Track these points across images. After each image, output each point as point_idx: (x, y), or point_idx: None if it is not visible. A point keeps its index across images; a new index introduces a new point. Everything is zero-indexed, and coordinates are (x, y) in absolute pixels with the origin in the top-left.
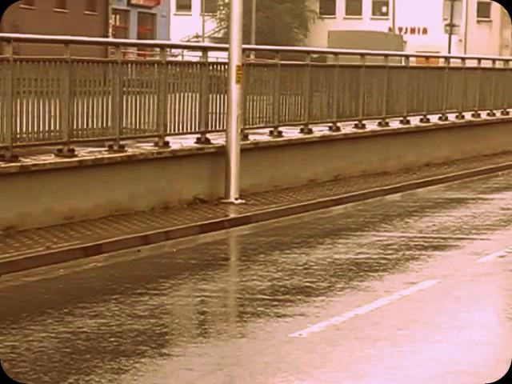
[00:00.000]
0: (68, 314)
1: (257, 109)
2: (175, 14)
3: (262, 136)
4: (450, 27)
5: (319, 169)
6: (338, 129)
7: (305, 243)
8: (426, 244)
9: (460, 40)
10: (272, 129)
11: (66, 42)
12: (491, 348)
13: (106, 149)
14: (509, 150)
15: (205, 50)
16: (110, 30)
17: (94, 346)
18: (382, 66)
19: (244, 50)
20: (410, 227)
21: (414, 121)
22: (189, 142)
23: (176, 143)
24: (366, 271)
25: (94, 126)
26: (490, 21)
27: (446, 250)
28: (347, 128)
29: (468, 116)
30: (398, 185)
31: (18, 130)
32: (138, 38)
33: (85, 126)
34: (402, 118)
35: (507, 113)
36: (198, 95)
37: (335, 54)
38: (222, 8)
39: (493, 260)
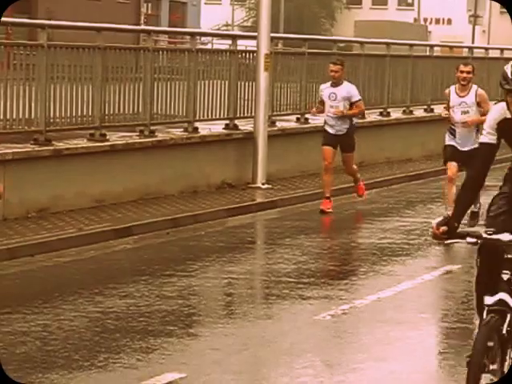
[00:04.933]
0: (98, 294)
1: (284, 96)
2: (206, 3)
3: (288, 123)
4: (474, 18)
5: None
6: (363, 116)
7: (329, 228)
8: None
9: (483, 31)
10: (299, 115)
11: (99, 29)
12: None
13: (137, 134)
14: None
15: (234, 38)
16: (142, 18)
17: (124, 325)
18: (406, 56)
19: (272, 38)
20: (433, 213)
21: (438, 109)
22: (217, 127)
23: (205, 129)
24: (389, 256)
25: (126, 112)
26: None
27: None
28: (372, 116)
29: (491, 105)
30: (421, 171)
31: (52, 114)
32: (169, 26)
33: (116, 112)
34: (425, 107)
35: None
36: (226, 82)
37: (361, 43)
38: None
39: None
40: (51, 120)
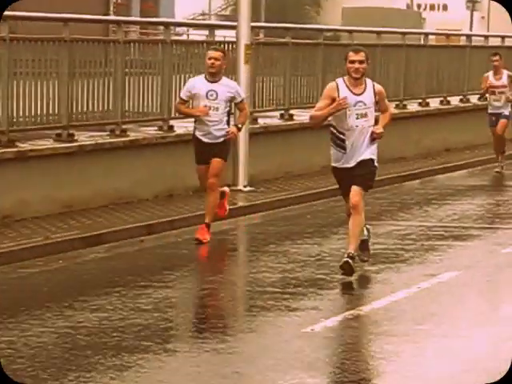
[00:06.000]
0: (68, 307)
1: (267, 90)
2: None
3: (272, 119)
4: (472, 3)
5: None
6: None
7: (318, 233)
8: (446, 234)
9: (482, 17)
10: (283, 112)
11: (65, 21)
12: None
13: (108, 133)
14: None
15: (211, 28)
16: (112, 8)
17: (96, 341)
18: (399, 45)
19: (253, 28)
20: (430, 216)
21: (434, 103)
22: None
23: (181, 127)
24: (382, 262)
25: (95, 110)
26: None
27: (468, 240)
28: None
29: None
30: (416, 171)
31: (15, 113)
32: (141, 16)
33: (85, 110)
34: (420, 100)
35: None
36: None
37: (349, 32)
38: None
39: None
40: (14, 119)
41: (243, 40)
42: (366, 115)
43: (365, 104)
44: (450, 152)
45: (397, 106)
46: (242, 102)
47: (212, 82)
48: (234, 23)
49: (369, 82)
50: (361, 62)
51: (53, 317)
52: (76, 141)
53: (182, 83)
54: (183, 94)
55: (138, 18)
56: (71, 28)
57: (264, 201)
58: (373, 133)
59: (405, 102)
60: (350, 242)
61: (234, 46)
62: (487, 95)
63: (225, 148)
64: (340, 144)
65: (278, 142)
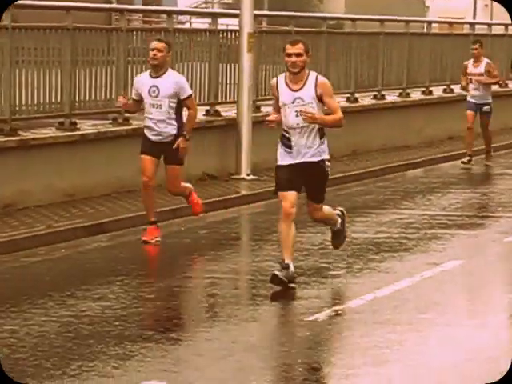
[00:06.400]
0: (70, 296)
1: (269, 79)
2: None
3: None
4: None
5: (336, 143)
6: (355, 100)
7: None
8: (449, 222)
9: (486, 5)
10: None
11: (68, 9)
12: None
13: (110, 122)
14: None
15: (214, 16)
16: None
17: (98, 330)
18: (402, 33)
19: (256, 16)
20: (433, 204)
21: (437, 91)
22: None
23: (184, 116)
24: (385, 251)
25: (97, 98)
26: None
27: (471, 228)
28: (366, 99)
29: (495, 86)
30: (419, 159)
31: (17, 102)
32: (144, 4)
33: (87, 98)
34: (424, 89)
35: None
36: (207, 65)
37: (353, 20)
38: None
39: None
40: (17, 108)
41: (246, 28)
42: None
43: (303, 100)
44: (453, 140)
45: (400, 95)
46: (188, 98)
47: (155, 78)
48: (237, 11)
49: (312, 75)
50: (298, 54)
51: (55, 306)
52: (78, 129)
53: (185, 71)
54: (133, 94)
55: (141, 7)
56: (74, 16)
57: (267, 189)
58: (301, 111)
59: (408, 91)
60: (290, 252)
61: (237, 35)
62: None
63: (176, 152)
64: (286, 143)
65: (281, 130)
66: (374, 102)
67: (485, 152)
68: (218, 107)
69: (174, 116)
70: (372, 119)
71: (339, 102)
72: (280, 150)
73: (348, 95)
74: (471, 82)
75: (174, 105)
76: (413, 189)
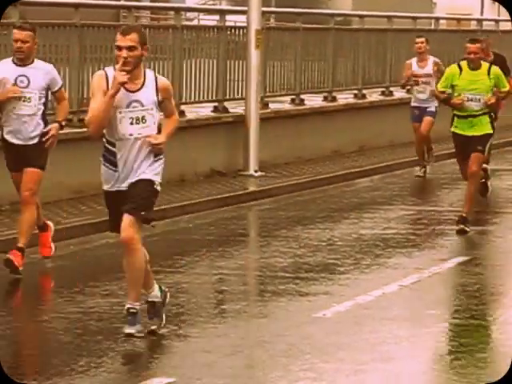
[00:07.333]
0: (78, 293)
1: (277, 75)
2: None
3: (282, 104)
4: None
5: (343, 139)
6: (363, 96)
7: (329, 218)
8: (457, 218)
9: (493, 1)
10: (293, 97)
11: (76, 6)
12: None
13: None
14: None
15: (222, 13)
16: None
17: (106, 326)
18: (410, 30)
19: (264, 12)
20: (441, 200)
21: None
22: (205, 110)
23: (192, 112)
24: (393, 247)
25: None
26: None
27: (479, 224)
28: (373, 95)
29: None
30: None
31: None
32: (152, 1)
33: None
34: None
35: None
36: (215, 61)
37: (360, 16)
38: None
39: None
40: None
41: (254, 25)
42: (144, 120)
43: (142, 105)
44: None
45: (407, 91)
46: (60, 90)
47: (21, 66)
48: (245, 8)
49: (150, 74)
50: (130, 48)
51: (63, 302)
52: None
53: (193, 68)
54: None
55: (149, 4)
56: (82, 13)
57: (275, 186)
58: (149, 144)
59: None
60: (136, 292)
61: (245, 31)
62: (410, 86)
63: (41, 154)
64: (110, 159)
65: (289, 126)
66: (381, 98)
67: (419, 157)
68: (225, 104)
69: (41, 112)
70: (379, 115)
71: (346, 98)
72: (103, 168)
73: (355, 91)
74: (417, 85)
75: (43, 100)
76: (420, 185)
